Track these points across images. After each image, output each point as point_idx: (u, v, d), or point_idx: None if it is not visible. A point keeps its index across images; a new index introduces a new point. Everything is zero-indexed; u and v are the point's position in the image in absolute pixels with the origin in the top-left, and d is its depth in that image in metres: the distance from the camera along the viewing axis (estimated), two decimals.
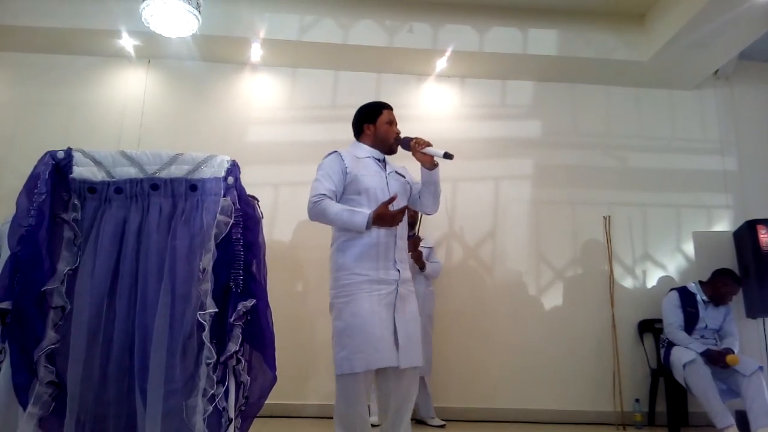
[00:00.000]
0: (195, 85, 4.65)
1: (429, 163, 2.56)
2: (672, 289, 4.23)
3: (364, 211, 2.41)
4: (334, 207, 2.44)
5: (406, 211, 2.52)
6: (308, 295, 4.34)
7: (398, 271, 2.47)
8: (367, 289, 2.40)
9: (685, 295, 4.11)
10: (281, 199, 4.46)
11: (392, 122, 2.66)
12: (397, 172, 2.65)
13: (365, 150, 2.62)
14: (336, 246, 2.56)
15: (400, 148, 2.62)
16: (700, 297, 4.08)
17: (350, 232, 2.47)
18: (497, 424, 4.08)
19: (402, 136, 2.62)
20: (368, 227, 2.40)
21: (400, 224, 2.52)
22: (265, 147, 4.55)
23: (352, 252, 2.47)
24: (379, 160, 2.61)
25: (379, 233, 2.45)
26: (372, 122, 2.66)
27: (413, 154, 2.56)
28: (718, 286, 4.05)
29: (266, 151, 4.54)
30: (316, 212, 2.46)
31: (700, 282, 4.18)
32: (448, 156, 2.45)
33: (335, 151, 2.57)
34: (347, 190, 2.51)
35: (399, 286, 2.46)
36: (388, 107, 2.72)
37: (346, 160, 2.52)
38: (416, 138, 2.56)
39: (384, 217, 2.39)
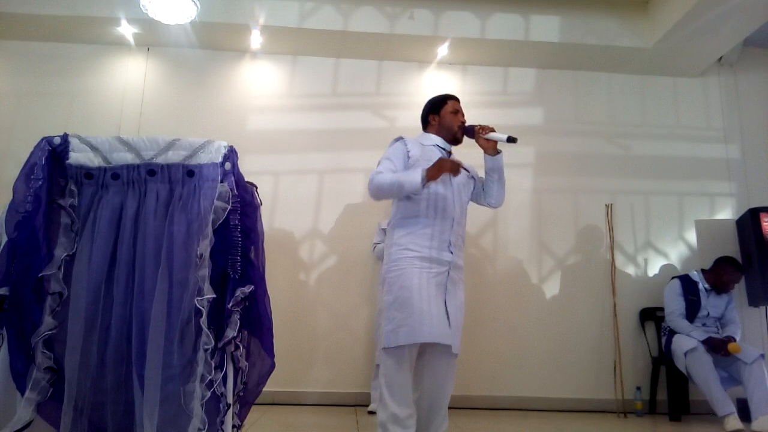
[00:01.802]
0: (195, 73, 4.63)
1: (492, 149, 2.59)
2: (674, 277, 4.22)
3: (419, 169, 2.41)
4: (390, 175, 2.47)
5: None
6: (309, 283, 4.34)
7: (451, 253, 2.47)
8: (419, 266, 2.41)
9: (687, 283, 4.10)
10: (282, 188, 4.45)
11: (457, 112, 2.68)
12: (461, 165, 2.67)
13: (431, 139, 2.66)
14: (393, 222, 2.58)
15: (466, 138, 2.64)
16: (702, 285, 4.07)
17: (407, 210, 2.50)
18: (498, 412, 4.09)
19: (472, 124, 2.65)
20: (424, 182, 2.37)
21: (459, 209, 2.55)
22: (265, 135, 4.53)
23: (407, 229, 2.49)
24: (444, 149, 2.63)
25: (435, 213, 2.48)
26: (436, 113, 2.70)
27: (477, 141, 2.58)
28: (721, 274, 4.04)
29: (266, 139, 4.52)
30: (374, 187, 2.49)
31: (702, 270, 4.16)
32: (511, 140, 2.46)
33: (400, 137, 2.63)
34: None
35: (451, 269, 2.46)
36: (454, 98, 2.74)
37: (410, 145, 2.58)
38: (480, 125, 2.58)
39: (434, 166, 2.37)
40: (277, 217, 4.37)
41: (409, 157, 2.53)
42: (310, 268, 4.37)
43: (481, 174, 2.76)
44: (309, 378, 4.17)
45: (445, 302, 2.41)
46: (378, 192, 2.51)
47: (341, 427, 3.35)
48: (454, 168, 2.41)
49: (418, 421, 2.40)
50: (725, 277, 4.02)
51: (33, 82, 4.52)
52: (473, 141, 2.61)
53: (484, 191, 2.72)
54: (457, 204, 2.56)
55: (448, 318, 2.38)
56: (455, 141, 2.67)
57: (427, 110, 2.75)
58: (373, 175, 2.50)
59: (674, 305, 4.04)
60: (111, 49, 4.57)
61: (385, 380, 2.34)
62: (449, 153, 2.67)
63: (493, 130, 2.55)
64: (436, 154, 2.57)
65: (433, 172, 2.37)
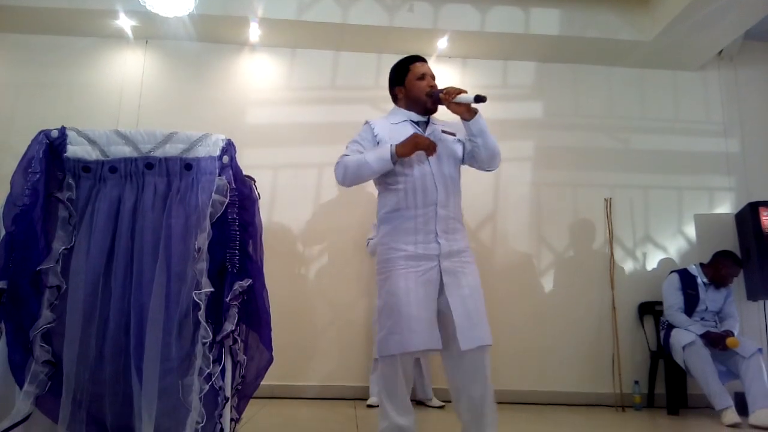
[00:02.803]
0: (193, 66, 4.61)
1: (466, 113, 2.27)
2: (672, 272, 4.22)
3: (387, 144, 2.22)
4: (356, 156, 2.28)
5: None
6: (307, 277, 4.34)
7: (439, 243, 2.26)
8: (403, 266, 2.22)
9: (685, 277, 4.10)
10: (280, 181, 4.44)
11: (424, 76, 2.41)
12: (444, 131, 2.41)
13: (401, 114, 2.43)
14: (378, 218, 2.40)
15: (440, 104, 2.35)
16: (701, 279, 4.07)
17: (388, 202, 2.32)
18: (496, 405, 4.09)
19: (438, 89, 2.33)
20: (394, 157, 2.20)
21: (442, 190, 2.30)
22: (264, 129, 4.52)
23: (390, 224, 2.31)
24: (417, 122, 2.40)
25: (416, 202, 2.27)
26: (401, 84, 2.44)
27: (448, 108, 2.27)
28: (719, 268, 4.04)
29: (265, 132, 4.51)
30: (341, 170, 2.29)
31: (701, 264, 4.17)
32: (480, 99, 2.16)
33: (366, 122, 2.45)
34: None
35: (442, 260, 2.26)
36: (418, 59, 2.47)
37: (377, 127, 2.38)
38: (446, 88, 2.27)
39: (407, 142, 2.20)
40: (275, 210, 4.37)
41: (378, 142, 2.34)
42: (309, 261, 4.37)
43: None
44: (308, 371, 4.18)
45: (447, 300, 2.23)
46: (345, 174, 2.28)
47: (340, 420, 3.36)
48: (431, 147, 2.21)
49: (467, 425, 2.30)
50: (724, 271, 4.02)
51: (31, 74, 4.50)
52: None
53: (473, 157, 2.42)
54: (440, 184, 2.30)
55: (449, 318, 2.21)
56: (427, 111, 2.40)
57: (391, 83, 2.49)
58: (338, 160, 2.31)
59: (673, 299, 4.05)
60: (109, 42, 4.55)
61: (383, 388, 2.24)
62: (426, 123, 2.42)
63: (462, 92, 2.22)
64: (408, 131, 2.34)
65: (406, 149, 2.20)
